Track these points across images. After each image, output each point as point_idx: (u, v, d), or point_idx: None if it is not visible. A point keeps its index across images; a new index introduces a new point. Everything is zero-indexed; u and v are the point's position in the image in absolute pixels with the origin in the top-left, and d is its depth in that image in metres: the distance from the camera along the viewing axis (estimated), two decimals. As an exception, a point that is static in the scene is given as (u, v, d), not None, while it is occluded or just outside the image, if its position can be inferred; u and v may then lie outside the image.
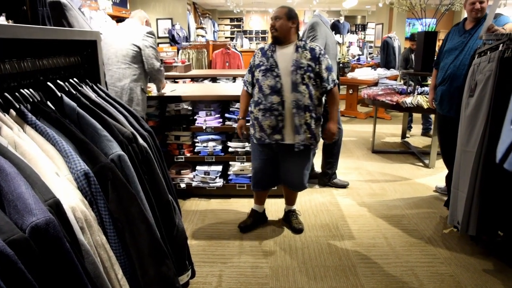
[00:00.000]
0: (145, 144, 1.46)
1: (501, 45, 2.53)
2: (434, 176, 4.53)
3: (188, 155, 3.80)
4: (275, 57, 2.83)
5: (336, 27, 11.66)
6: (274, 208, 3.62)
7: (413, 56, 6.34)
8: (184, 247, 1.61)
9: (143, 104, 3.37)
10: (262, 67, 2.84)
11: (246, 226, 3.26)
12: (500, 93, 2.49)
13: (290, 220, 3.30)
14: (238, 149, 3.72)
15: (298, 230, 3.21)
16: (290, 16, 2.82)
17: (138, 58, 3.27)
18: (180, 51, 7.58)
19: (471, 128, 2.70)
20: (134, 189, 1.22)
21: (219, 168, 3.79)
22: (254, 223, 3.29)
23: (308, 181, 4.27)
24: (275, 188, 3.49)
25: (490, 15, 2.80)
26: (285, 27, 2.81)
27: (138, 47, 3.25)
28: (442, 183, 3.97)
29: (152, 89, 3.81)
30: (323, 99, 2.96)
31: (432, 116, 5.66)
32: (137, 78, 3.29)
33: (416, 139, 6.26)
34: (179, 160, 3.79)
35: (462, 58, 3.22)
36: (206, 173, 3.74)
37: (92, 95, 1.52)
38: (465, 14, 3.36)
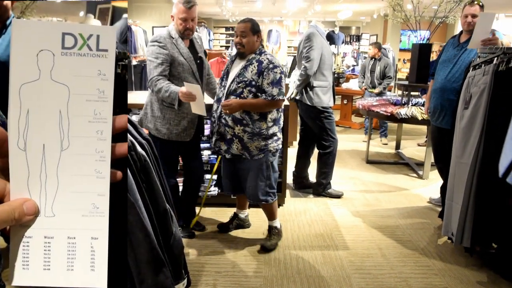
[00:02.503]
0: (143, 152, 1.45)
1: (496, 58, 2.57)
2: (428, 187, 4.55)
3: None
4: (230, 67, 2.88)
5: (331, 38, 11.73)
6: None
7: (371, 63, 6.45)
8: (181, 256, 1.60)
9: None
10: (222, 77, 2.92)
11: (222, 225, 3.37)
12: (494, 105, 2.52)
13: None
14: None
15: (262, 248, 3.06)
16: (255, 30, 2.79)
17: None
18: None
19: (466, 140, 2.72)
20: (132, 197, 1.22)
21: (214, 176, 3.78)
22: (233, 225, 3.38)
23: (302, 191, 4.35)
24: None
25: (477, 29, 2.86)
26: (252, 43, 2.78)
27: None
28: (436, 195, 3.99)
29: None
30: (272, 116, 2.83)
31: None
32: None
33: (410, 150, 6.30)
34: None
35: (454, 70, 3.28)
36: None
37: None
38: (459, 27, 3.44)
